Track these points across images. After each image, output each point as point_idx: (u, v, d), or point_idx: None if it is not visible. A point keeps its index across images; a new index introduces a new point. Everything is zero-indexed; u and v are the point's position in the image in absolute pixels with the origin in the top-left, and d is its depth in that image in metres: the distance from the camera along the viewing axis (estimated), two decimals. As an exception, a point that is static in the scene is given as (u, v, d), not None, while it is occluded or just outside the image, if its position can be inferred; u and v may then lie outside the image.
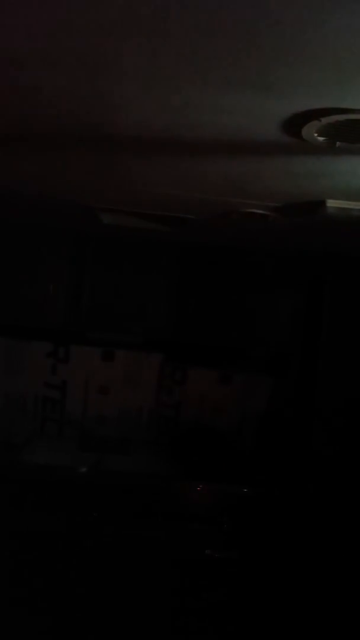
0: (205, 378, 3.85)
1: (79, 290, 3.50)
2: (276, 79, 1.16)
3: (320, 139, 1.43)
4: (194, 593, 3.13)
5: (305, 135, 1.42)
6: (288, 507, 3.28)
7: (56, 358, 3.86)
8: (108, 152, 1.76)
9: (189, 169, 1.86)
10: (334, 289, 3.32)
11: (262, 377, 3.81)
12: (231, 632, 3.09)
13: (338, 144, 1.46)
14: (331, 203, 2.10)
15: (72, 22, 0.99)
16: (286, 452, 3.47)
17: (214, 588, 3.14)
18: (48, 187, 2.33)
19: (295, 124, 1.36)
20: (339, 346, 3.31)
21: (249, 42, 1.02)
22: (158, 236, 3.24)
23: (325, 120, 1.32)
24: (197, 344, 3.73)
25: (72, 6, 0.94)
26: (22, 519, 3.13)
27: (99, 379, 3.87)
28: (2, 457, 3.42)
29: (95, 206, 2.60)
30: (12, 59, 1.16)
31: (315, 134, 1.41)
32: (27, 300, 3.48)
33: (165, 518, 3.20)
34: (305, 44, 1.00)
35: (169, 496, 3.26)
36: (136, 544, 3.16)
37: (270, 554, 3.19)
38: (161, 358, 3.87)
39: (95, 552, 3.13)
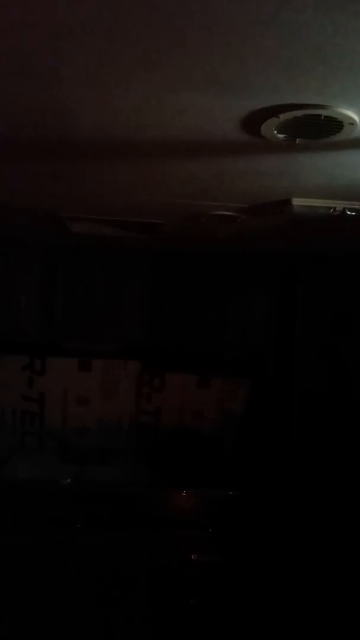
0: (183, 383, 3.85)
1: (52, 301, 3.47)
2: (231, 77, 1.16)
3: (280, 136, 1.43)
4: (183, 599, 3.11)
5: (264, 132, 1.41)
6: (272, 508, 3.27)
7: (32, 371, 3.83)
8: (69, 158, 1.74)
9: (150, 172, 1.86)
10: (306, 287, 3.35)
11: (240, 379, 3.82)
12: (220, 636, 3.07)
13: (298, 140, 1.46)
14: (297, 201, 2.11)
15: (16, 21, 0.98)
16: (267, 453, 3.48)
17: (202, 593, 3.13)
18: (13, 197, 2.31)
19: (253, 121, 1.36)
20: (313, 344, 3.33)
21: (202, 42, 1.02)
22: (129, 243, 3.23)
23: (283, 117, 1.32)
24: (174, 350, 3.72)
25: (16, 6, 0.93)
26: (6, 533, 3.09)
27: (77, 389, 3.84)
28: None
29: (63, 215, 2.59)
30: None
31: (275, 131, 1.40)
32: (0, 315, 3.44)
33: (151, 525, 3.18)
34: (257, 41, 1.00)
35: (153, 503, 3.24)
36: (122, 552, 3.14)
37: (256, 556, 3.18)
38: (138, 365, 3.86)
39: (81, 563, 3.10)
